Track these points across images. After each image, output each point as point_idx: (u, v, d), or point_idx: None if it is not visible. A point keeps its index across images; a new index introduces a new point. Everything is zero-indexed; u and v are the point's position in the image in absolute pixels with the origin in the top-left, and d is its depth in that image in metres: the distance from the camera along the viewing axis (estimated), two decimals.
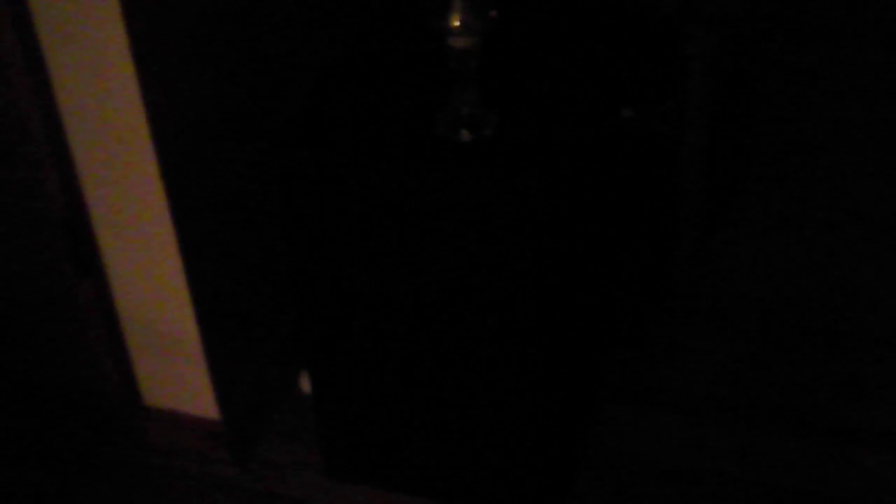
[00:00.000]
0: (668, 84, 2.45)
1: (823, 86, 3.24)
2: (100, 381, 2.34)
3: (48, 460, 2.45)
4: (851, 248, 2.80)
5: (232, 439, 2.38)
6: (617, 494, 2.33)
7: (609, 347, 2.57)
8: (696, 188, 2.60)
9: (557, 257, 2.01)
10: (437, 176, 1.87)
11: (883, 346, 2.57)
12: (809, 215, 2.89)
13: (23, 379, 2.44)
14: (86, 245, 2.16)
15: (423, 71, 2.02)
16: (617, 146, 2.38)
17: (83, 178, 2.08)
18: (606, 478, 2.36)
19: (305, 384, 2.50)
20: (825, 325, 2.63)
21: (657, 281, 2.71)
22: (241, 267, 2.34)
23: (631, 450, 2.41)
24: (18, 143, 2.02)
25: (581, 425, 2.41)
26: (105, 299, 2.23)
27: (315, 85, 2.05)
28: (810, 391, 2.49)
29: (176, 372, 2.31)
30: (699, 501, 2.31)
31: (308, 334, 2.17)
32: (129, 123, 1.96)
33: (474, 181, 1.85)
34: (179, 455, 2.42)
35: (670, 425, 2.44)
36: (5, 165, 2.06)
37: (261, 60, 2.27)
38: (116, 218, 2.12)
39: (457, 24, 1.78)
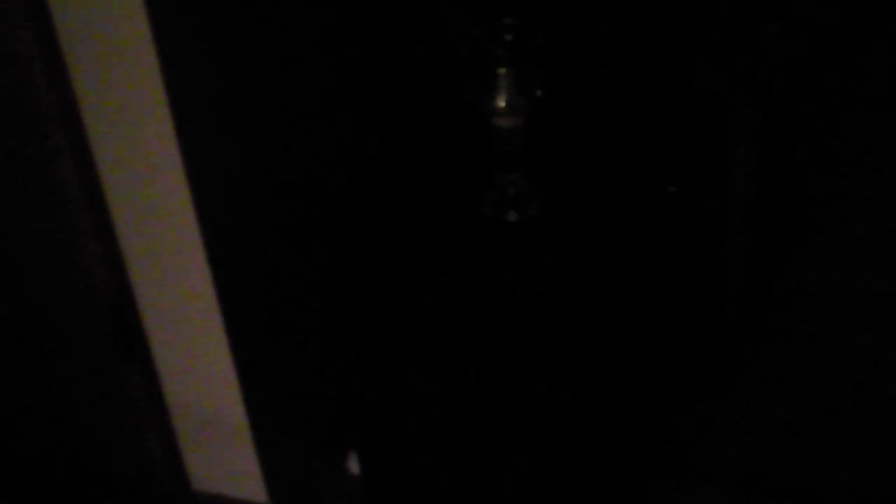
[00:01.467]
0: (713, 159, 2.44)
1: (870, 158, 3.22)
2: (148, 465, 2.33)
3: None
4: None
5: None
6: None
7: (653, 423, 2.54)
8: (741, 262, 2.58)
9: (602, 332, 1.99)
10: (484, 257, 1.86)
11: None
12: (856, 288, 2.86)
13: (71, 463, 2.43)
14: (132, 330, 2.16)
15: (469, 151, 2.02)
16: (662, 221, 2.37)
17: (129, 263, 2.08)
18: None
19: (353, 465, 2.48)
20: (869, 398, 2.60)
21: (701, 356, 2.69)
22: (288, 349, 2.33)
23: None
24: (65, 230, 2.03)
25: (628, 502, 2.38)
26: (152, 384, 2.23)
27: (362, 166, 2.05)
28: (856, 465, 2.45)
29: (224, 456, 2.29)
30: None
31: (356, 415, 2.16)
32: (175, 208, 1.97)
33: (522, 262, 1.84)
34: None
35: (714, 501, 2.41)
36: (53, 252, 2.08)
37: (307, 142, 2.27)
38: (163, 302, 2.12)
39: (502, 104, 1.78)
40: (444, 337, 1.94)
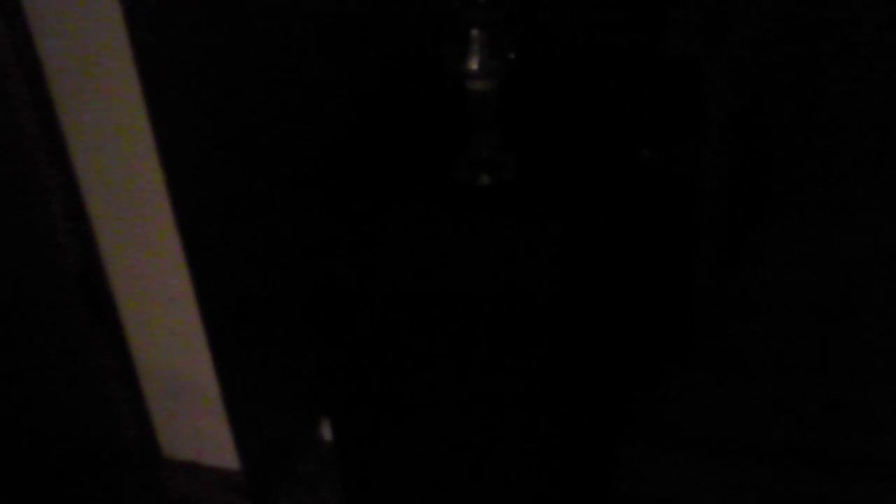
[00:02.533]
0: (687, 123, 2.43)
1: (844, 121, 3.22)
2: (118, 433, 2.32)
3: None
4: (874, 287, 2.77)
5: (253, 490, 2.35)
6: None
7: (626, 388, 2.54)
8: (715, 227, 2.58)
9: (575, 299, 1.98)
10: (456, 220, 1.85)
11: None
12: (831, 253, 2.86)
13: (40, 431, 2.41)
14: (100, 296, 2.14)
15: (443, 114, 2.00)
16: (636, 186, 2.36)
17: (97, 228, 2.07)
18: None
19: (326, 431, 2.47)
20: (845, 364, 2.60)
21: (675, 321, 2.68)
22: (259, 315, 2.32)
23: (649, 491, 2.38)
24: (33, 195, 2.01)
25: (599, 466, 2.38)
26: (121, 350, 2.21)
27: (335, 131, 2.04)
28: (830, 429, 2.46)
29: (195, 423, 2.28)
30: None
31: (329, 381, 2.15)
32: (144, 172, 1.95)
33: (493, 226, 1.83)
34: None
35: (689, 465, 2.41)
36: (21, 218, 2.05)
37: (279, 110, 2.25)
38: (132, 268, 2.10)
39: (475, 66, 1.76)
40: (415, 298, 1.93)
